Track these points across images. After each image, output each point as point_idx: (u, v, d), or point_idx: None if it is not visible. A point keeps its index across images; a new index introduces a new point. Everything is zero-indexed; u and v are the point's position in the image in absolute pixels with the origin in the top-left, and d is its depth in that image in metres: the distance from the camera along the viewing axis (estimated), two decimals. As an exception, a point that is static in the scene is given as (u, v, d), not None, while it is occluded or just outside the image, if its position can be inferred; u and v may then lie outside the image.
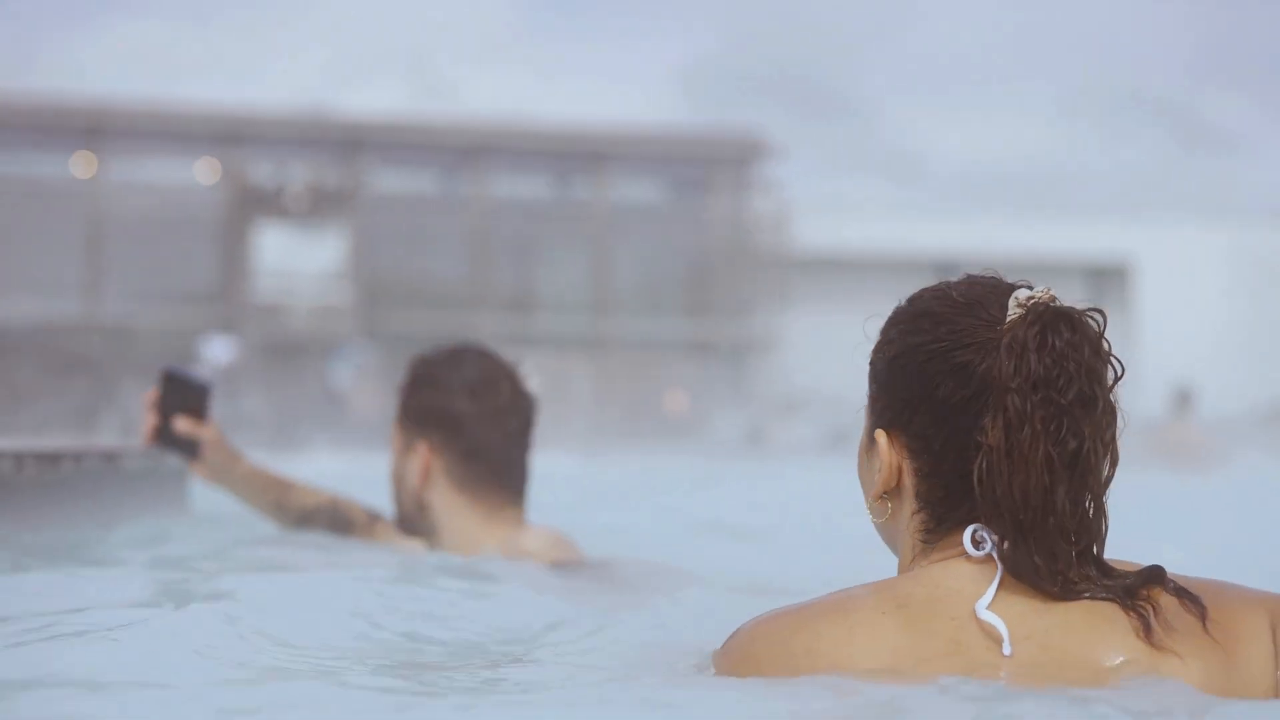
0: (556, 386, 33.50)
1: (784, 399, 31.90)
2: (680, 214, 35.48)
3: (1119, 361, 1.87)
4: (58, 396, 21.13)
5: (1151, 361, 34.46)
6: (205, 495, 4.37)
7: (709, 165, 35.01)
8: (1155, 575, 1.87)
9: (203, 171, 33.23)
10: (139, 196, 32.30)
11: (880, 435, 1.95)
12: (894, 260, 36.40)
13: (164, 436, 3.74)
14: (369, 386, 27.69)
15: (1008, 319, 1.85)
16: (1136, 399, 33.18)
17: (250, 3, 67.64)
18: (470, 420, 3.55)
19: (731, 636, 1.90)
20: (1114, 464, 1.85)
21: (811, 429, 27.82)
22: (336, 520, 3.84)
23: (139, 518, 4.31)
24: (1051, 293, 1.88)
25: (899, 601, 1.83)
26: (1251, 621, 1.85)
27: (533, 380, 3.70)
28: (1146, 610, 1.82)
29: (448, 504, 3.56)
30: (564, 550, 3.54)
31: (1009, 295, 1.90)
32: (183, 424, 3.71)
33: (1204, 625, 1.83)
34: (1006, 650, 1.79)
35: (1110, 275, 38.16)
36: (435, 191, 34.97)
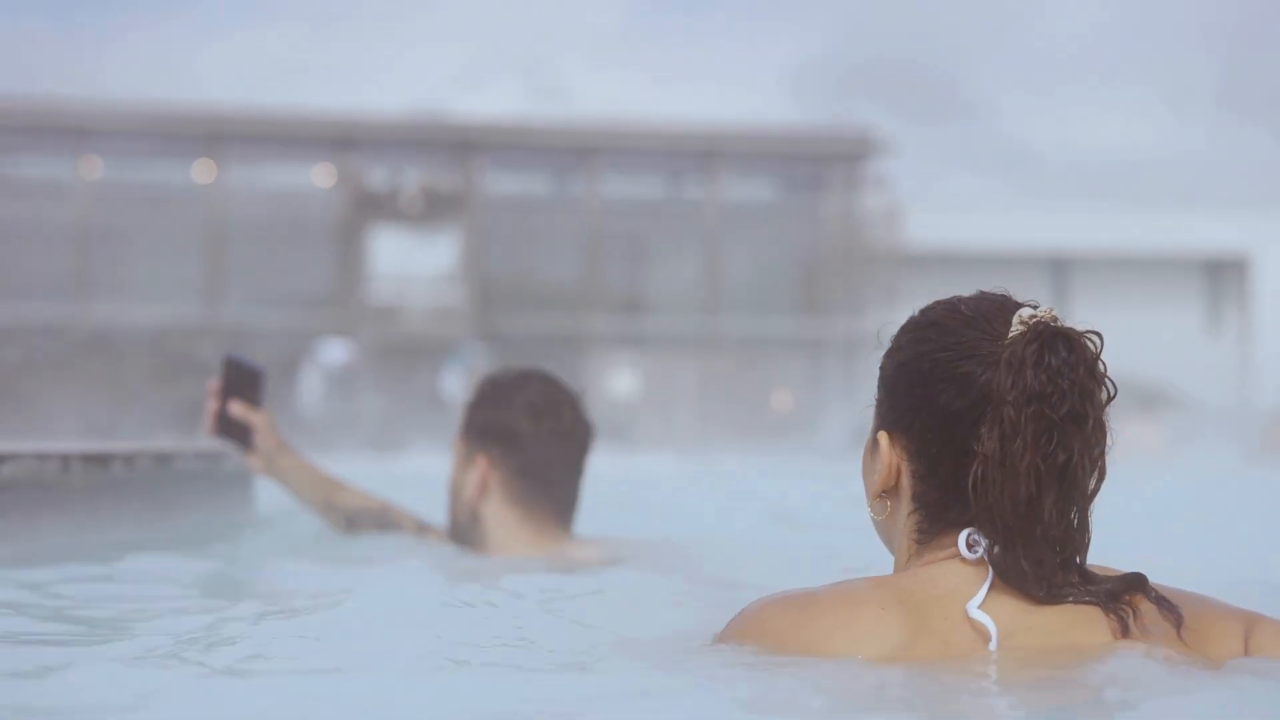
0: (664, 385, 33.57)
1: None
2: (791, 212, 35.39)
3: (1112, 383, 1.95)
4: (168, 398, 21.48)
5: (1271, 354, 34.01)
6: (268, 497, 4.55)
7: (821, 163, 34.87)
8: (1136, 582, 1.96)
9: (319, 176, 33.60)
10: (257, 201, 32.72)
11: (883, 436, 2.04)
12: (1008, 256, 36.12)
13: (223, 424, 3.92)
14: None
15: (1010, 335, 1.93)
16: (1255, 392, 32.68)
17: (364, 12, 68.30)
18: (529, 439, 3.68)
19: (741, 612, 2.01)
20: (1100, 478, 1.94)
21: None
22: (384, 525, 3.99)
23: (195, 518, 4.42)
24: (1054, 312, 1.96)
25: (899, 598, 1.93)
26: (1225, 632, 1.95)
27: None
28: (1126, 613, 1.92)
29: (500, 517, 3.69)
30: (618, 555, 3.66)
31: (1014, 312, 1.97)
32: (236, 408, 3.90)
33: (1178, 632, 1.93)
34: (993, 646, 1.89)
35: (1229, 269, 37.64)
36: (548, 193, 35.12)
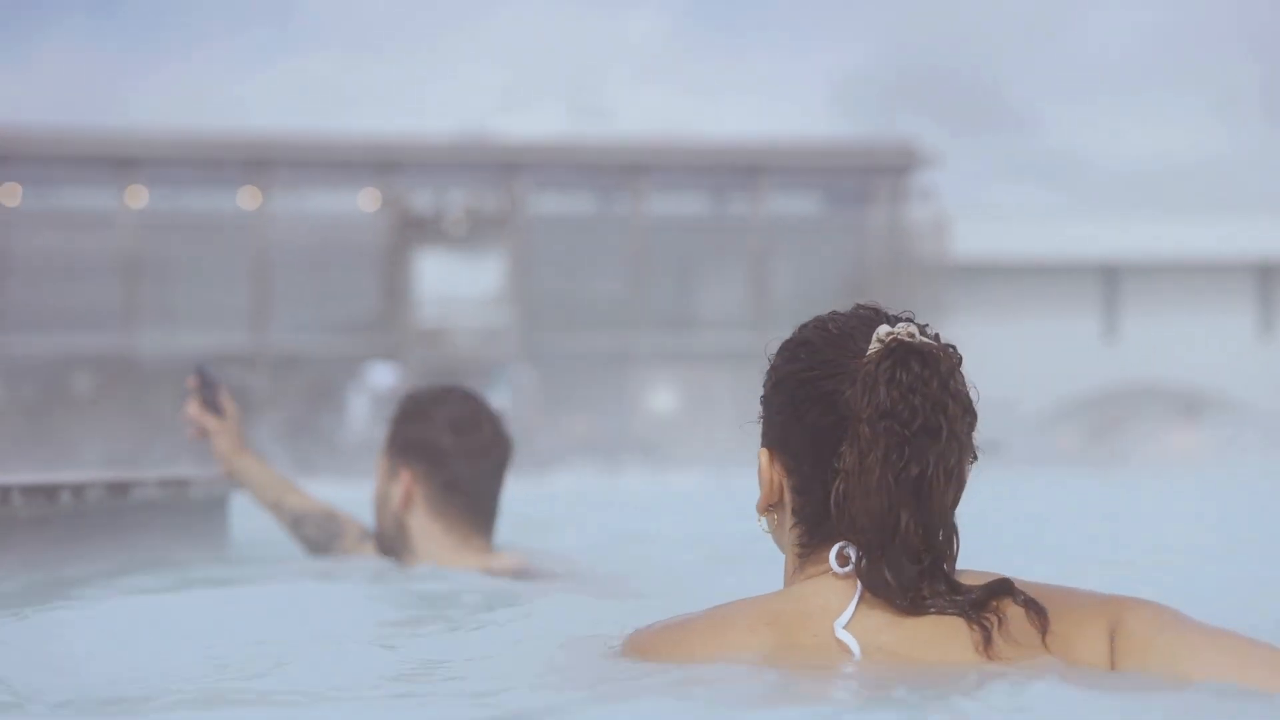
0: (707, 402, 33.48)
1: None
2: (837, 226, 35.28)
3: (972, 398, 2.00)
4: (147, 422, 21.51)
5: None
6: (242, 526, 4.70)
7: (866, 176, 34.76)
8: (1002, 588, 2.00)
9: (364, 200, 33.67)
10: (303, 227, 32.82)
11: (763, 454, 2.11)
12: (1057, 265, 35.91)
13: (199, 427, 4.23)
14: (531, 408, 27.88)
15: (867, 353, 1.99)
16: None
17: (407, 36, 68.57)
18: (451, 455, 3.88)
19: (628, 638, 2.11)
20: (959, 489, 1.97)
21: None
22: (326, 528, 4.23)
23: (155, 550, 4.31)
24: (912, 329, 2.00)
25: (768, 619, 2.00)
26: (1089, 632, 1.96)
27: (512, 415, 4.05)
28: (990, 623, 1.96)
29: (424, 529, 3.89)
30: (535, 566, 3.86)
31: (876, 329, 2.03)
32: (193, 409, 4.18)
33: (1043, 639, 1.96)
34: (857, 655, 1.96)
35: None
36: (593, 212, 35.11)
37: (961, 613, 1.97)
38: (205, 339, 31.13)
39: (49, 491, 3.67)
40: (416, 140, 33.87)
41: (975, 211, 36.41)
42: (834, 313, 2.14)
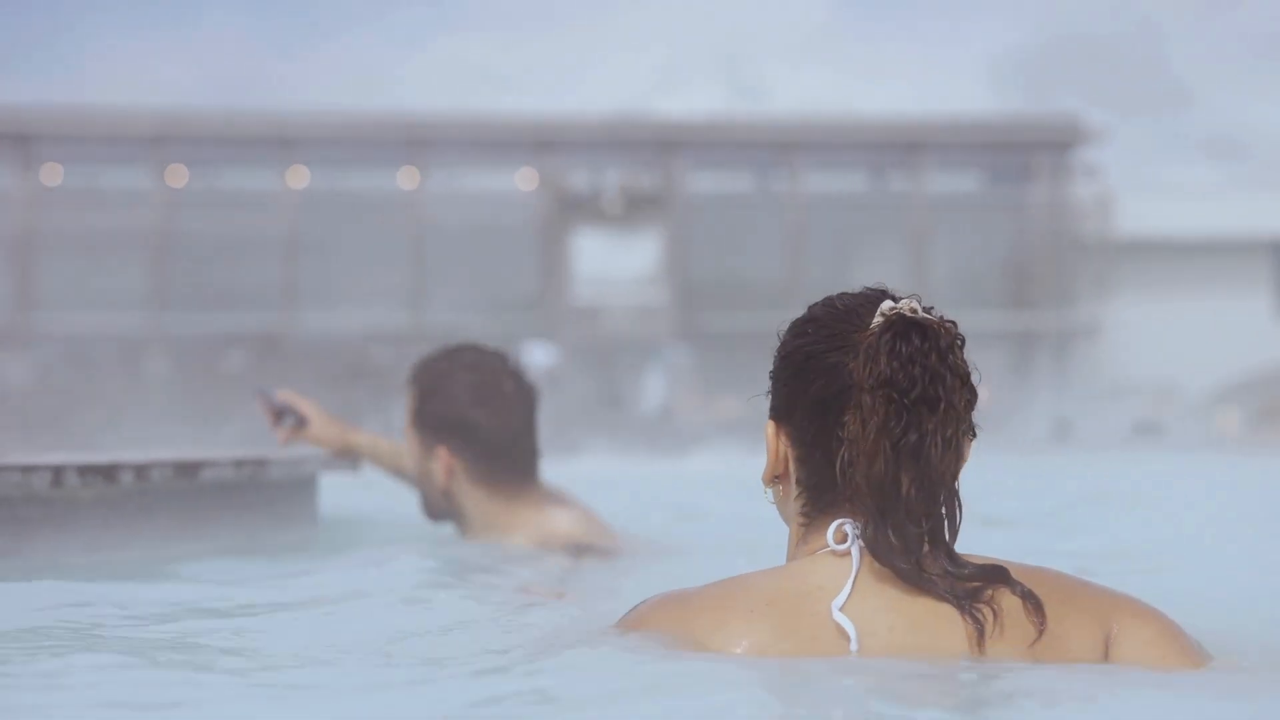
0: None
1: (1108, 389, 30.99)
2: (999, 203, 34.76)
3: (972, 376, 2.09)
4: (330, 404, 21.62)
5: None
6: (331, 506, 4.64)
7: (1028, 152, 34.22)
8: (997, 574, 2.05)
9: (521, 180, 33.80)
10: (460, 206, 33.05)
11: (770, 425, 2.19)
12: (1227, 242, 35.02)
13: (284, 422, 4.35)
14: (688, 388, 27.77)
15: (870, 326, 2.08)
16: None
17: (563, 16, 68.79)
18: (482, 425, 3.95)
19: (632, 610, 2.17)
20: (958, 460, 2.05)
21: (1124, 420, 26.94)
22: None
23: (232, 533, 4.22)
24: (914, 304, 2.10)
25: (769, 598, 2.06)
26: (1084, 637, 2.03)
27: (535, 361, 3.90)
28: (984, 617, 2.01)
29: (472, 497, 3.98)
30: (591, 532, 3.94)
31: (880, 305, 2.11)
32: (282, 434, 4.30)
33: (1038, 635, 2.02)
34: (854, 648, 2.01)
35: None
36: (750, 190, 34.93)
37: (957, 603, 2.02)
38: (363, 318, 31.47)
39: (107, 471, 3.56)
40: (573, 119, 33.90)
41: (1140, 188, 35.67)
42: (843, 293, 2.21)
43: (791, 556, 2.16)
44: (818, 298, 2.27)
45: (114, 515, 3.62)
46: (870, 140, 34.12)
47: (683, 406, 26.91)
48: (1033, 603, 2.03)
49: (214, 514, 4.04)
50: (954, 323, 2.15)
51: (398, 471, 4.37)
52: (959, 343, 2.11)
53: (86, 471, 3.46)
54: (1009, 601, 2.04)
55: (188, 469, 3.83)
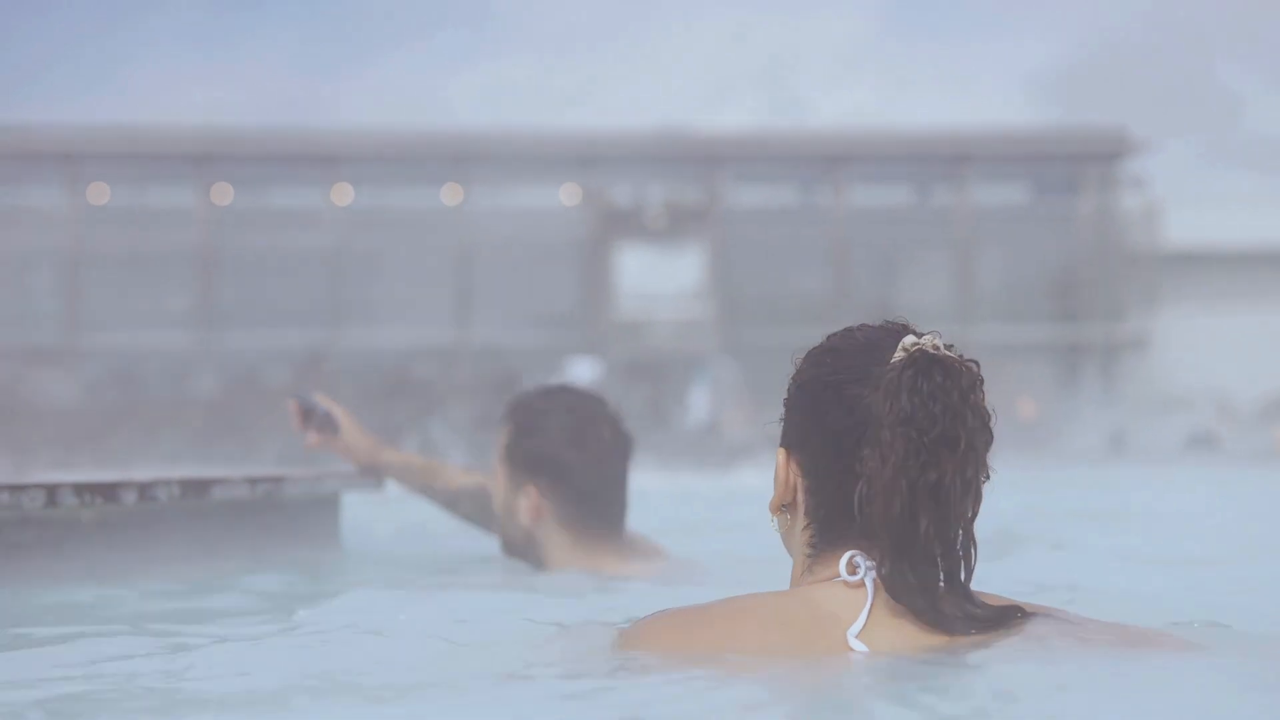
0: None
1: (1158, 401, 30.77)
2: (1045, 215, 34.57)
3: (987, 412, 2.05)
4: (370, 421, 21.61)
5: None
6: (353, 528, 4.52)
7: (1074, 164, 34.04)
8: (1012, 616, 2.05)
9: (565, 195, 33.80)
10: (504, 222, 33.07)
11: (781, 453, 2.15)
12: (1276, 252, 34.74)
13: (314, 429, 4.21)
14: (733, 402, 27.69)
15: (892, 361, 2.04)
16: None
17: (605, 33, 68.88)
18: (576, 467, 3.86)
19: (639, 623, 2.14)
20: (976, 501, 2.01)
21: (1178, 432, 26.71)
22: (480, 502, 4.20)
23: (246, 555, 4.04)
24: (937, 341, 2.06)
25: (782, 620, 2.04)
26: None
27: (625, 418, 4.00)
28: None
29: (556, 540, 3.89)
30: (674, 575, 3.83)
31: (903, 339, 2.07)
32: (311, 438, 4.16)
33: None
34: None
35: None
36: (793, 204, 34.84)
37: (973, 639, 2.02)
38: (408, 334, 31.51)
39: (108, 491, 3.35)
40: (616, 135, 33.89)
41: (1189, 199, 35.41)
42: (863, 325, 2.18)
43: (796, 586, 2.14)
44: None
45: (118, 537, 3.44)
46: (914, 153, 34.00)
47: (729, 420, 26.82)
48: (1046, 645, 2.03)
49: (227, 535, 3.85)
50: (976, 362, 2.09)
51: (428, 491, 4.30)
52: (980, 383, 2.07)
53: (84, 491, 3.25)
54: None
55: (197, 487, 3.64)
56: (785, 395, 2.21)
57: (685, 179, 33.79)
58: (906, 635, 2.01)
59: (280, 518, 4.12)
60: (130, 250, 32.51)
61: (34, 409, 23.74)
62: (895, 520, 1.98)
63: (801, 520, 2.12)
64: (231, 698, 2.07)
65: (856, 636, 2.00)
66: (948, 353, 2.06)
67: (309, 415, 4.19)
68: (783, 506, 2.15)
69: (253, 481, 3.87)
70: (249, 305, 32.24)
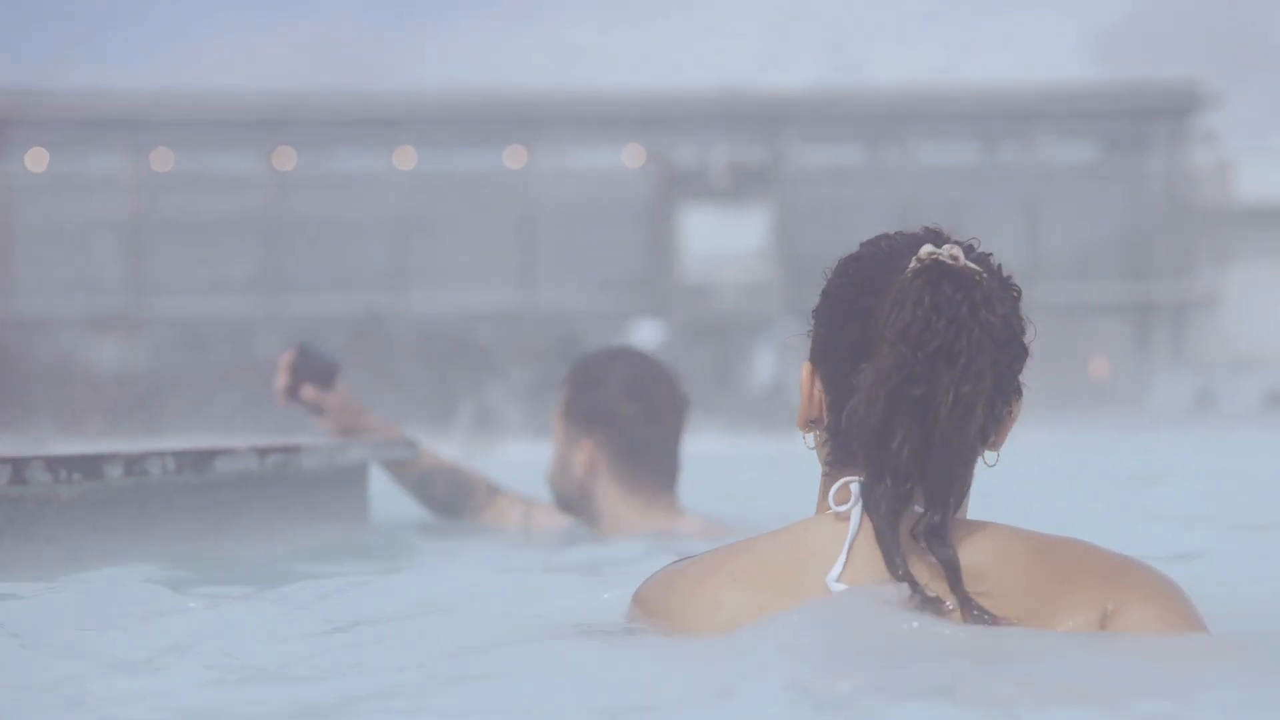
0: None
1: (1231, 359, 30.36)
2: (1114, 172, 34.13)
3: (1018, 334, 1.95)
4: (427, 382, 21.56)
5: None
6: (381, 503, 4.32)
7: (1144, 120, 33.54)
8: (990, 547, 1.92)
9: (628, 157, 33.63)
10: (568, 185, 32.94)
11: (806, 367, 2.08)
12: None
13: (292, 397, 4.03)
14: (797, 365, 27.53)
15: (907, 271, 1.94)
16: None
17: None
18: (631, 421, 3.92)
19: (643, 583, 2.10)
20: (970, 422, 1.89)
21: (1254, 390, 26.37)
22: (455, 484, 4.23)
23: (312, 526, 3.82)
24: (957, 251, 1.94)
25: (757, 566, 1.97)
26: (1078, 617, 1.91)
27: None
28: (967, 596, 1.87)
29: (608, 494, 3.93)
30: (717, 535, 3.75)
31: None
32: (308, 391, 4.02)
33: (1021, 619, 1.88)
34: None
35: None
36: (858, 163, 34.54)
37: (943, 577, 1.89)
38: (472, 297, 31.46)
39: (89, 465, 2.99)
40: (680, 95, 33.67)
41: (1262, 154, 34.85)
42: (898, 232, 2.07)
43: (818, 511, 2.05)
44: None
45: (104, 517, 3.08)
46: (981, 111, 33.63)
47: (795, 383, 26.66)
48: (1019, 583, 1.91)
49: (235, 513, 3.50)
50: (1008, 277, 1.99)
51: (400, 466, 4.21)
52: (999, 297, 1.94)
53: (60, 465, 2.90)
54: (1000, 573, 1.92)
55: (196, 460, 3.28)
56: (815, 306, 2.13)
57: (750, 139, 33.56)
58: (882, 572, 1.90)
59: (298, 492, 3.80)
60: (193, 216, 32.58)
61: (96, 375, 23.82)
62: (869, 434, 1.89)
63: (823, 436, 2.05)
64: (227, 691, 1.92)
65: (836, 580, 1.91)
66: (967, 263, 1.94)
67: (303, 365, 4.05)
68: (811, 422, 2.06)
69: (262, 452, 3.52)
70: (312, 270, 32.26)
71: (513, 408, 18.04)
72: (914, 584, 1.88)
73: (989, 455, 1.99)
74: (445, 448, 4.72)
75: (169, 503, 3.29)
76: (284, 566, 3.22)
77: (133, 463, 3.09)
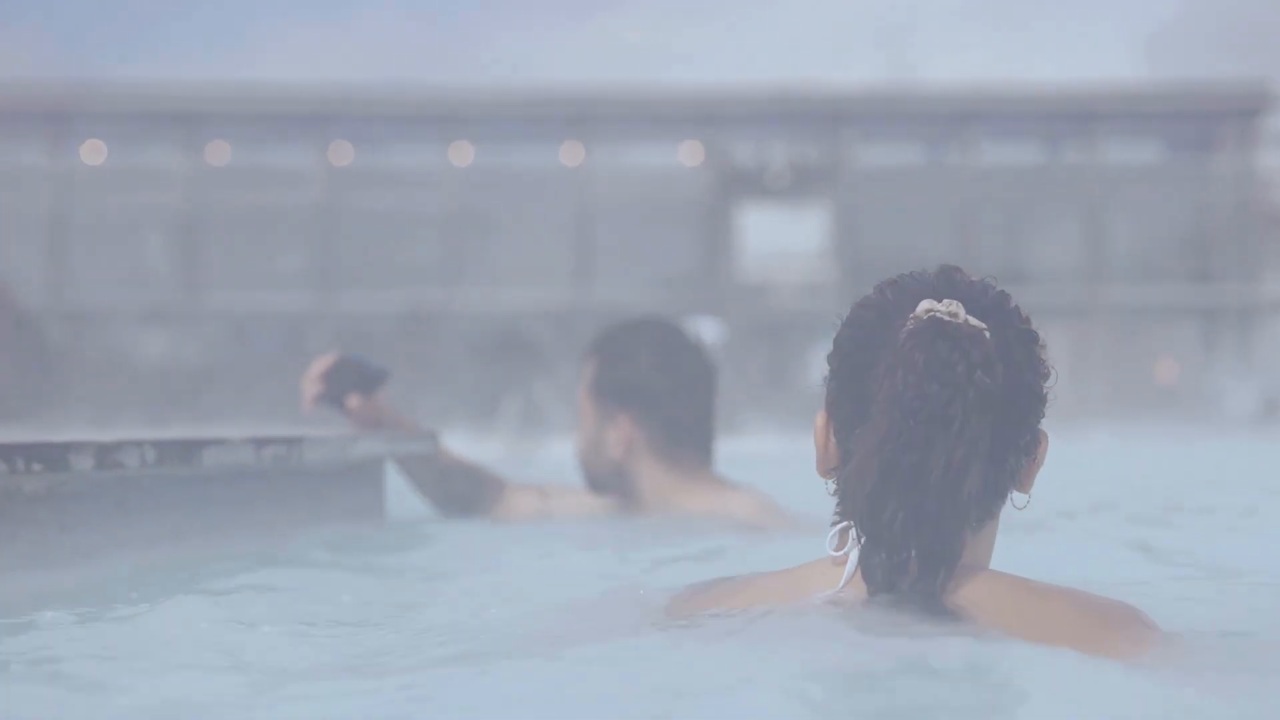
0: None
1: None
2: (1179, 173, 33.69)
3: (1023, 387, 1.89)
4: (478, 379, 21.42)
5: None
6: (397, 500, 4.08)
7: (1210, 120, 33.11)
8: (969, 614, 1.87)
9: (685, 155, 33.46)
10: (624, 182, 32.79)
11: (820, 416, 2.04)
12: None
13: (324, 402, 3.82)
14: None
15: (904, 330, 1.89)
16: None
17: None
18: (666, 394, 3.81)
19: (678, 593, 2.12)
20: (964, 485, 1.83)
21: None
22: (472, 480, 4.06)
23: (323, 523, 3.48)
24: (954, 308, 1.88)
25: (754, 599, 1.98)
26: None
27: (712, 344, 3.91)
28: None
29: (647, 472, 3.83)
30: (768, 515, 3.78)
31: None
32: (353, 401, 3.80)
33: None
34: None
35: None
36: (919, 163, 34.25)
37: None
38: (525, 295, 31.35)
39: (53, 455, 2.65)
40: (738, 92, 33.44)
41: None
42: (907, 276, 2.01)
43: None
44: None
45: (74, 513, 2.73)
46: (1043, 111, 33.30)
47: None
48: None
49: (230, 510, 3.13)
50: (1010, 322, 1.91)
51: (420, 465, 3.98)
52: (1008, 350, 1.88)
53: (18, 454, 2.55)
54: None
55: (180, 451, 2.92)
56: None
57: (808, 138, 33.31)
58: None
59: (304, 487, 3.45)
60: (248, 210, 32.56)
61: (147, 368, 23.78)
62: (863, 504, 1.86)
63: (835, 485, 2.00)
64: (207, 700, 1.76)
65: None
66: (968, 319, 1.87)
67: (345, 376, 3.79)
68: (831, 470, 2.01)
69: (260, 443, 3.17)
70: (365, 266, 32.19)
71: (560, 404, 17.83)
72: None
73: (1018, 498, 1.95)
74: (492, 445, 4.45)
75: (151, 498, 2.91)
76: (277, 567, 2.86)
77: (105, 453, 2.71)
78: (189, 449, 2.95)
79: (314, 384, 3.80)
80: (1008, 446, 1.89)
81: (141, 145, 33.38)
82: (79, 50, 55.15)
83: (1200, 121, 33.38)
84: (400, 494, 4.00)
